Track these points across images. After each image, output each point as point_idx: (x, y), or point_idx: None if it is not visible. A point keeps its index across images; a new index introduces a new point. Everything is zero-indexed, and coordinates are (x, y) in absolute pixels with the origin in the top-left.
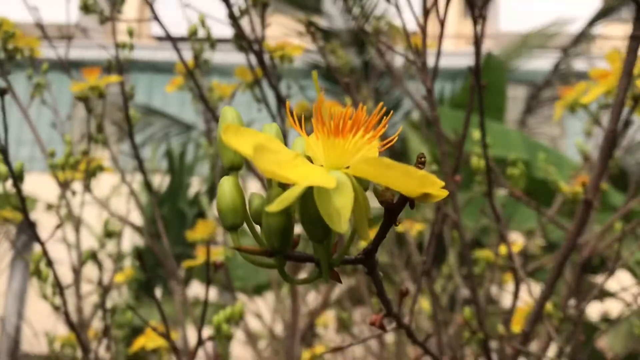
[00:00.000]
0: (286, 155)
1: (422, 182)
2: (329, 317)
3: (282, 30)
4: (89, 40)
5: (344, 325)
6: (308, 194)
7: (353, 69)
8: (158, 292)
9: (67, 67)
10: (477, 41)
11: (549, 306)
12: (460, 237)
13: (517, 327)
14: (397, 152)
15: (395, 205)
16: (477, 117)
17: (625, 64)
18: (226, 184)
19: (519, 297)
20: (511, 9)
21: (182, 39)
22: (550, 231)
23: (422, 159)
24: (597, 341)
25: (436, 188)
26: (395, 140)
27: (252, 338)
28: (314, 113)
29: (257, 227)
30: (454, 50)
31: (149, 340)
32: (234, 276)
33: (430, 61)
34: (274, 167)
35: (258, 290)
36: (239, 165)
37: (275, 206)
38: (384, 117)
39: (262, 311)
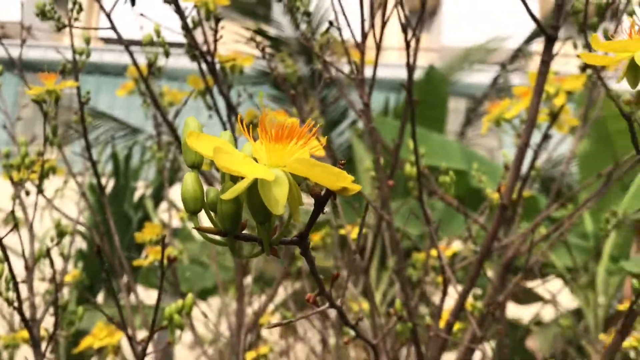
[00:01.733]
0: (237, 156)
1: (338, 178)
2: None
3: (233, 37)
4: (34, 40)
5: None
6: (254, 186)
7: (301, 78)
8: (101, 296)
9: (20, 67)
10: (410, 66)
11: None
12: (391, 237)
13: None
14: (345, 159)
15: (323, 197)
16: (418, 128)
17: (536, 85)
18: (189, 178)
19: (448, 295)
20: (455, 23)
21: (134, 43)
22: (482, 236)
23: (342, 162)
24: (527, 342)
25: (349, 183)
26: (323, 145)
27: (198, 341)
28: (259, 124)
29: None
30: (399, 62)
31: (95, 340)
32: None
33: (378, 73)
34: (228, 164)
35: (204, 294)
36: (199, 164)
37: (228, 195)
38: (315, 127)
39: (208, 315)
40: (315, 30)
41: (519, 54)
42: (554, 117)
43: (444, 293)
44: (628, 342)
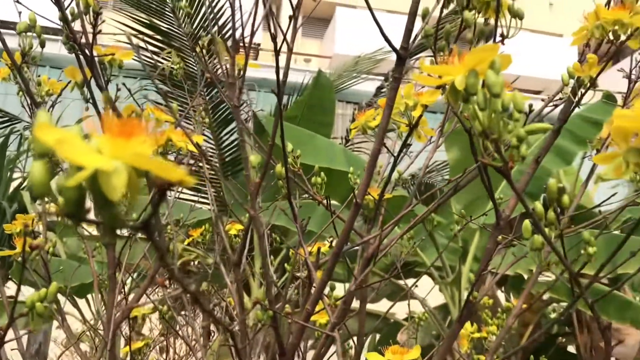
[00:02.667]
0: (80, 147)
1: (172, 171)
2: (154, 320)
3: (123, 29)
4: None
5: (165, 319)
6: (96, 175)
7: (190, 75)
8: None
9: None
10: (278, 72)
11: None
12: (257, 230)
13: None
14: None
15: (162, 187)
16: (306, 130)
17: (388, 98)
18: (36, 166)
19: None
20: (348, 33)
21: (6, 24)
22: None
23: (182, 156)
24: (399, 335)
25: (183, 176)
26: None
27: (72, 338)
28: (104, 122)
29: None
30: (293, 66)
31: None
32: (55, 278)
33: (269, 75)
34: (70, 155)
35: (83, 291)
36: (47, 154)
37: (71, 182)
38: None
39: (86, 311)
40: (206, 28)
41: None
42: (411, 127)
43: (309, 286)
44: (479, 333)
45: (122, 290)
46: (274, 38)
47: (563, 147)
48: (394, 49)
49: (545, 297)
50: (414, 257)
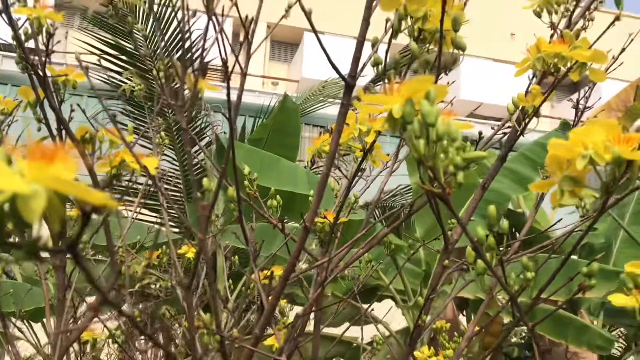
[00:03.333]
0: (1, 170)
1: (91, 195)
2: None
3: (89, 48)
4: None
5: (119, 343)
6: (15, 198)
7: (154, 95)
8: None
9: None
10: (229, 96)
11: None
12: (204, 254)
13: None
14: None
15: (88, 211)
16: (271, 153)
17: (336, 124)
18: None
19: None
20: (315, 58)
21: None
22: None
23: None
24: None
25: (105, 199)
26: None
27: None
28: (27, 146)
29: None
30: (261, 89)
31: None
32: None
33: (234, 98)
34: None
35: (37, 315)
36: None
37: None
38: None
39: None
40: (171, 50)
41: (366, 91)
42: (365, 152)
43: (260, 309)
44: (436, 357)
45: (74, 314)
46: (224, 62)
47: (522, 174)
48: (342, 77)
49: (507, 320)
50: (378, 281)
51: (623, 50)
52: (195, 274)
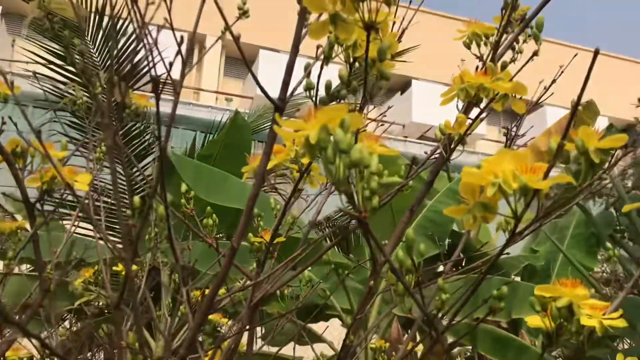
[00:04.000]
0: None
1: None
2: None
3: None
4: None
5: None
6: None
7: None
8: None
9: None
10: (159, 113)
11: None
12: (127, 271)
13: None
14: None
15: None
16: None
17: (266, 146)
18: None
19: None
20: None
21: None
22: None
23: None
24: None
25: None
26: None
27: None
28: None
29: None
30: (214, 104)
31: None
32: None
33: (188, 112)
34: None
35: None
36: None
37: None
38: None
39: None
40: (120, 62)
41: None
42: (301, 173)
43: (196, 330)
44: None
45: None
46: (154, 78)
47: None
48: (271, 100)
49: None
50: (324, 300)
51: (554, 81)
52: (123, 292)
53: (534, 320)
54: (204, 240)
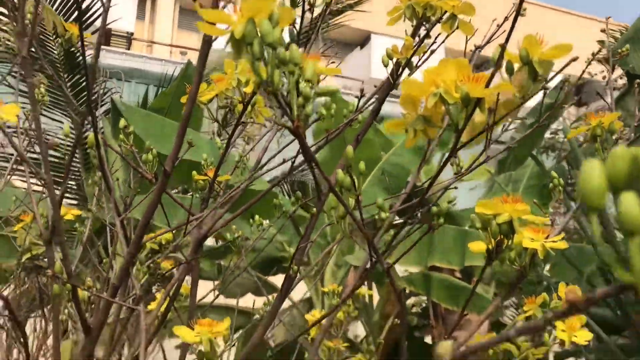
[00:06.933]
0: None
1: None
2: None
3: None
4: None
5: None
6: None
7: (53, 61)
8: None
9: None
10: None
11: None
12: (53, 201)
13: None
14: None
15: None
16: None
17: (198, 65)
18: None
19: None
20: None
21: None
22: None
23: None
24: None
25: None
26: None
27: None
28: None
29: None
30: (168, 58)
31: None
32: None
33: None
34: None
35: None
36: None
37: None
38: None
39: None
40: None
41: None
42: (245, 105)
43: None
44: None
45: None
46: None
47: (423, 147)
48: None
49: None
50: (282, 253)
51: (506, 19)
52: (52, 227)
53: (476, 245)
54: (143, 176)
